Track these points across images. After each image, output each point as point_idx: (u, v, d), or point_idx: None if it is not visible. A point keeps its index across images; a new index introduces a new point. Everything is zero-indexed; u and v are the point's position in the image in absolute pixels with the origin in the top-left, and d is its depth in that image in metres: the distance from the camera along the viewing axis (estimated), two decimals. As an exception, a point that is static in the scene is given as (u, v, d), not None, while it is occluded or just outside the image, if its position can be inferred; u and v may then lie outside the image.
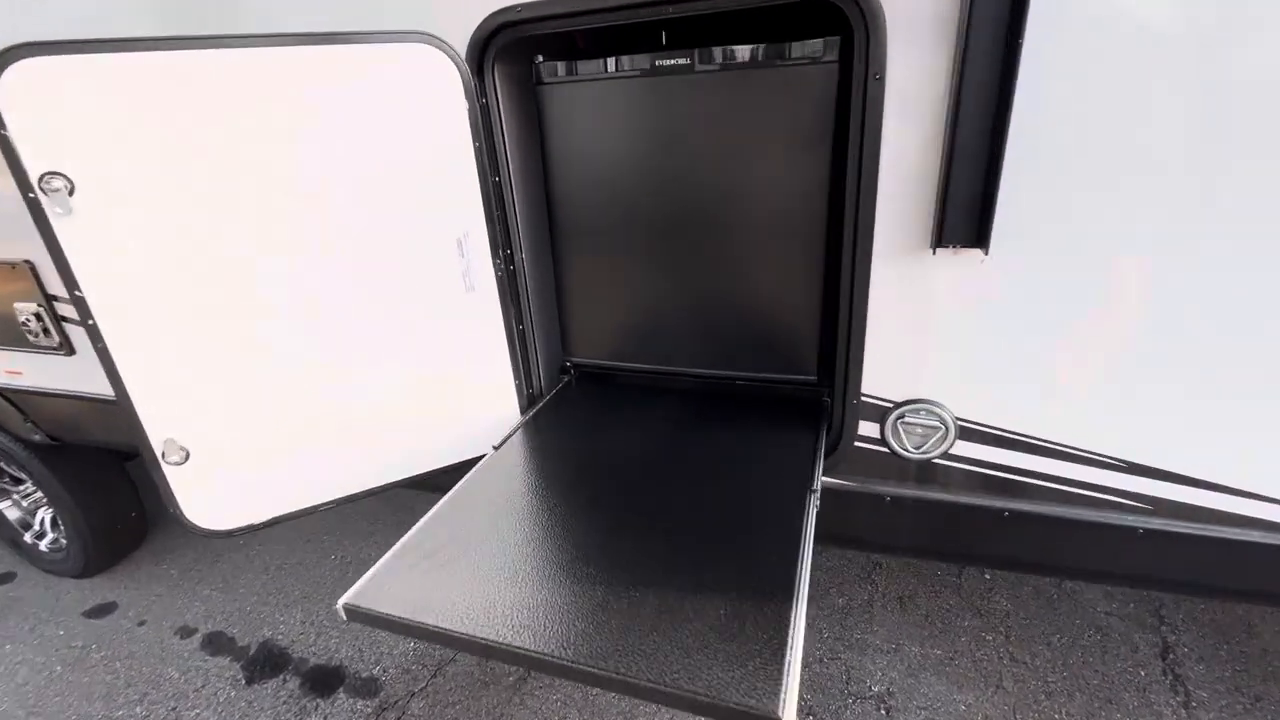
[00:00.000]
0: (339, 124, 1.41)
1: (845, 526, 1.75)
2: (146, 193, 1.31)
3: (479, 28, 1.50)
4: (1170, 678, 2.24)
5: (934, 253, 1.34)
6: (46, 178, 1.23)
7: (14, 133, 1.20)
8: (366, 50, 1.39)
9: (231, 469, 1.55)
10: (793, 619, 1.05)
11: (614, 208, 1.72)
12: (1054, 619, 2.40)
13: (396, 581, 1.20)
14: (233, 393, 1.49)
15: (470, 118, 1.53)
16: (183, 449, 1.48)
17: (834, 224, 1.54)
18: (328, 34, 1.36)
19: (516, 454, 1.64)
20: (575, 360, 1.96)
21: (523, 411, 1.86)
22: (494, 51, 1.54)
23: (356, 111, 1.41)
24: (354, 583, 1.18)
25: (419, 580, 1.20)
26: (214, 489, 1.55)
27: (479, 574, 1.21)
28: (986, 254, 1.29)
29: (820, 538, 1.79)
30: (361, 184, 1.47)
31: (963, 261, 1.36)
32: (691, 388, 1.88)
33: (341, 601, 1.16)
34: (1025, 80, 1.15)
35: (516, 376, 1.81)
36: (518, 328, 1.78)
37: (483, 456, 1.79)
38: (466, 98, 1.51)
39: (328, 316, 1.54)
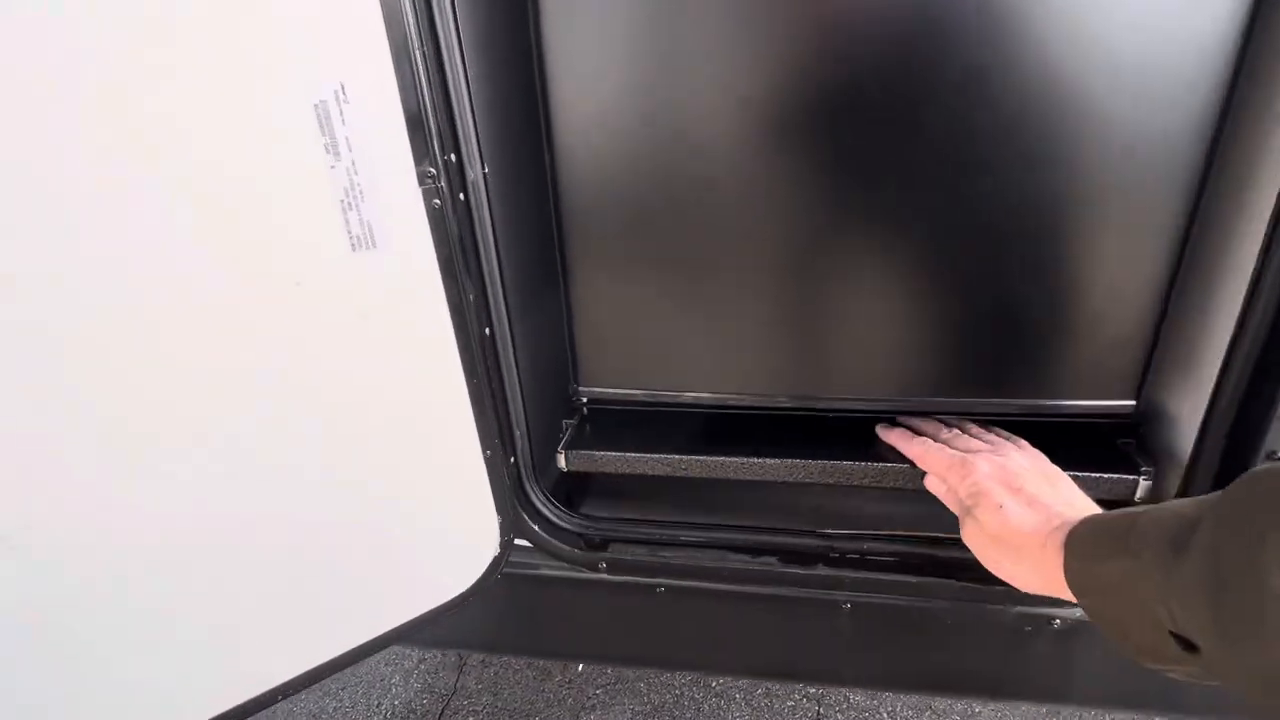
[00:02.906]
0: None
1: (1174, 685, 0.89)
2: None
3: None
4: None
5: None
6: None
7: None
8: None
9: None
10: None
11: (700, 63, 0.76)
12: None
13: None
14: None
15: None
16: None
17: (1236, 98, 0.66)
18: None
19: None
20: (596, 393, 0.98)
21: (505, 507, 0.87)
22: None
23: None
24: None
25: None
26: None
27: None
28: None
29: (1113, 702, 0.93)
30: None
31: None
32: (840, 428, 0.95)
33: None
34: None
35: (487, 441, 0.82)
36: (484, 332, 0.79)
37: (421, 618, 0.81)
38: None
39: None
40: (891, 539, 0.92)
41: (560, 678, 2.02)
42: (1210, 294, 0.77)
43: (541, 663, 2.06)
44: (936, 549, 0.90)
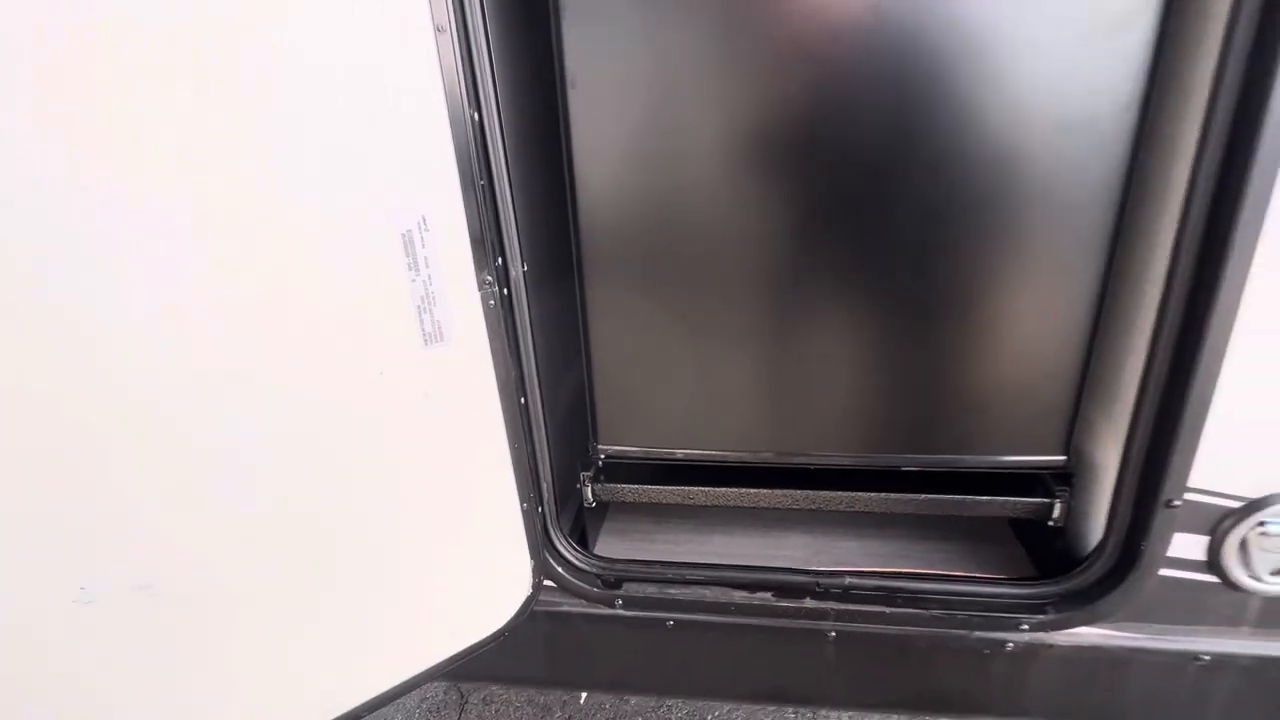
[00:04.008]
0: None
1: (1112, 703, 1.03)
2: None
3: None
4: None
5: None
6: None
7: None
8: None
9: None
10: None
11: (699, 176, 0.93)
12: None
13: None
14: None
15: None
16: None
17: (1134, 181, 0.84)
18: None
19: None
20: (612, 451, 1.13)
21: (536, 552, 1.01)
22: None
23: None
24: None
25: None
26: None
27: None
28: None
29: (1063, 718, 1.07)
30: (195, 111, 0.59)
31: None
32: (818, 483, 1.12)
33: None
34: None
35: (525, 495, 0.96)
36: (520, 401, 0.94)
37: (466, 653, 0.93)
38: (418, -83, 0.68)
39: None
40: (870, 575, 1.07)
41: (560, 713, 2.08)
42: (1118, 368, 0.94)
43: (542, 699, 2.12)
44: (909, 582, 1.05)
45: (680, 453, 1.12)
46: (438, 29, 0.71)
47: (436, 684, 2.19)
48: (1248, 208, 0.72)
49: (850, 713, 1.84)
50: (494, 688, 2.17)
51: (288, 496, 0.77)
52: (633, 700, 2.06)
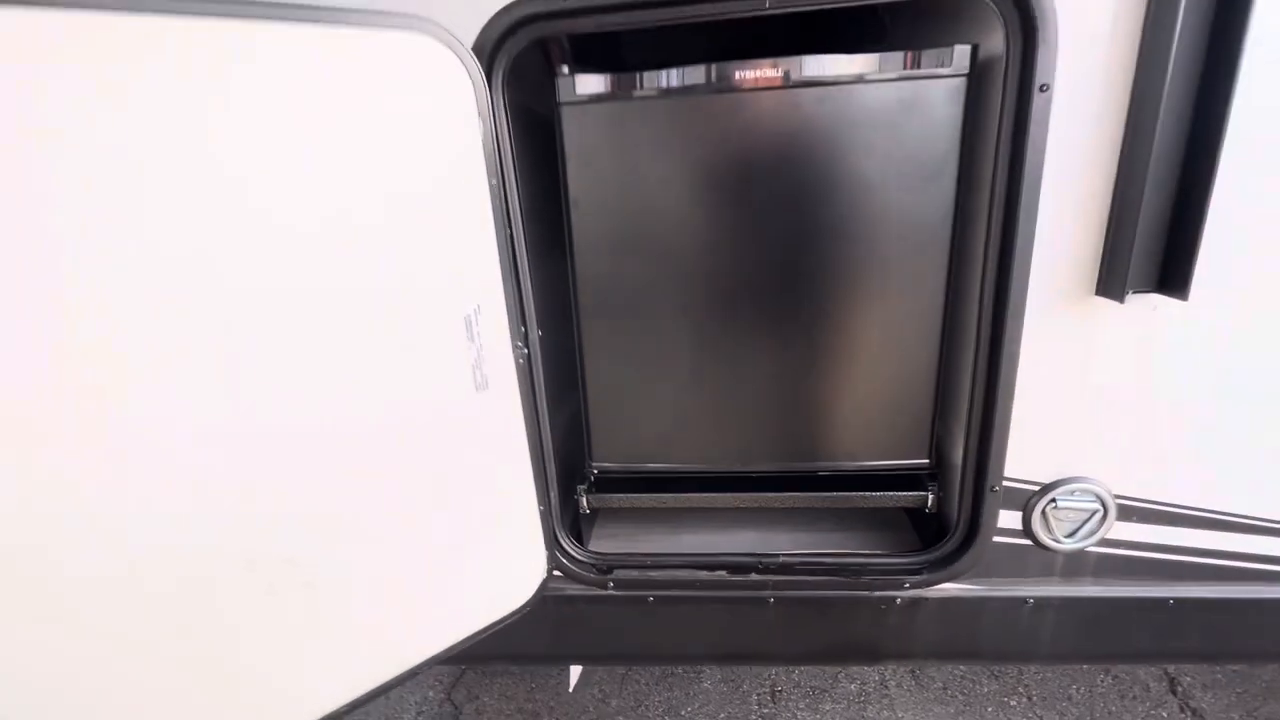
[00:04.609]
0: (285, 138, 0.89)
1: (971, 639, 1.41)
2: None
3: (488, 27, 1.07)
4: (1189, 714, 2.16)
5: (1123, 300, 1.08)
6: None
7: None
8: (337, 36, 0.90)
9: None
10: None
11: (663, 266, 1.31)
12: (1067, 669, 2.28)
13: None
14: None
15: (485, 143, 1.06)
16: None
17: (955, 272, 1.25)
18: (276, 3, 0.85)
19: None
20: (603, 467, 1.48)
21: (550, 545, 1.34)
22: (505, 59, 1.11)
23: (319, 124, 0.90)
24: None
25: None
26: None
27: None
28: (1187, 299, 1.05)
29: (939, 654, 1.44)
30: (310, 244, 0.94)
31: (1139, 310, 1.12)
32: (758, 489, 1.49)
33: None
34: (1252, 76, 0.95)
35: (541, 500, 1.30)
36: (537, 429, 1.28)
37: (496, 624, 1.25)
38: (481, 116, 1.05)
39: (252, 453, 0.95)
40: (798, 554, 1.43)
41: (547, 718, 2.33)
42: (958, 395, 1.34)
43: (530, 705, 2.37)
44: (826, 559, 1.42)
45: (654, 466, 1.48)
46: (490, 183, 1.08)
47: (431, 695, 2.43)
48: (1015, 285, 1.13)
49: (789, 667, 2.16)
50: (485, 698, 2.43)
51: (378, 503, 1.09)
52: (613, 702, 2.35)
